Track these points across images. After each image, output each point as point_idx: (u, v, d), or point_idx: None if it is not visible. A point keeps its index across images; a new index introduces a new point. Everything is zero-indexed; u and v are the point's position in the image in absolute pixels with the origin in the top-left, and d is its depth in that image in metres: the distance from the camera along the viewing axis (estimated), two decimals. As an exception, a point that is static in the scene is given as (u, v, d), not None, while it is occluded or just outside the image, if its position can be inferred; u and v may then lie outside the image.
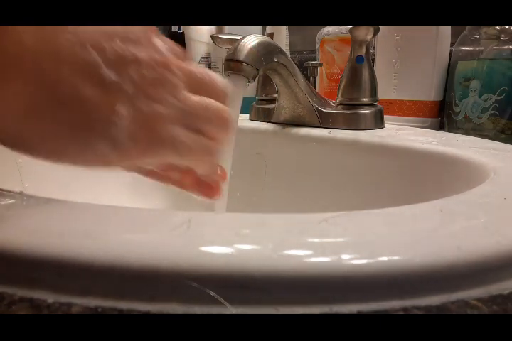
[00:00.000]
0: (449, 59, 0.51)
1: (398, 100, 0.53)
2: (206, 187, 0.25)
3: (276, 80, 0.42)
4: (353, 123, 0.42)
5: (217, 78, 0.22)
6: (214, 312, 0.12)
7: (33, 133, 0.17)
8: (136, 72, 0.18)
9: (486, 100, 0.44)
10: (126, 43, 0.18)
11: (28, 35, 0.16)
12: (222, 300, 0.12)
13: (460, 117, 0.48)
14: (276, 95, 0.46)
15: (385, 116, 0.44)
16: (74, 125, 0.17)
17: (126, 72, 0.18)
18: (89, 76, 0.17)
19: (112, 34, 0.18)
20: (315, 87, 0.58)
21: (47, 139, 0.17)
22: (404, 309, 0.12)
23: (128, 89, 0.18)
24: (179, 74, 0.20)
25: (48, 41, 0.16)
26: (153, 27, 0.20)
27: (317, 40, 0.60)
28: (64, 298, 0.12)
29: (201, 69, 0.22)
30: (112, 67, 0.17)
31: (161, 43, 0.20)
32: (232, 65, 0.34)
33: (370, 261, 0.13)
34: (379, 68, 0.53)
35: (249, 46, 0.35)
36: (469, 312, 0.12)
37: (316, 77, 0.57)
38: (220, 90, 0.22)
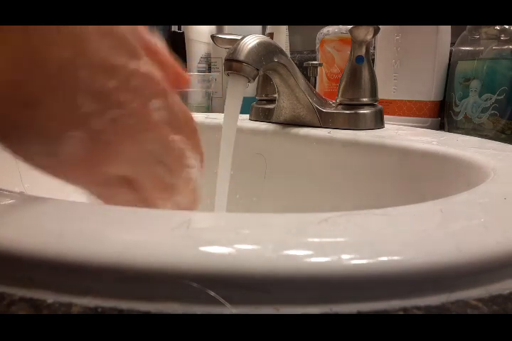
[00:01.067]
0: (449, 59, 0.51)
1: (398, 100, 0.53)
2: None
3: (276, 80, 0.42)
4: (352, 123, 0.42)
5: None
6: (214, 312, 0.12)
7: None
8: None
9: (486, 100, 0.44)
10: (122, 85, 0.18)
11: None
12: (222, 300, 0.12)
13: (460, 117, 0.48)
14: (276, 95, 0.46)
15: (385, 116, 0.44)
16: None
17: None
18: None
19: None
20: (315, 87, 0.58)
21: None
22: (404, 309, 0.12)
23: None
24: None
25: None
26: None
27: (317, 40, 0.60)
28: (64, 298, 0.12)
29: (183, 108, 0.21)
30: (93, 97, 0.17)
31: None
32: (232, 65, 0.34)
33: (370, 261, 0.13)
34: (379, 68, 0.53)
35: (249, 46, 0.35)
36: (469, 312, 0.12)
37: (316, 77, 0.57)
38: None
